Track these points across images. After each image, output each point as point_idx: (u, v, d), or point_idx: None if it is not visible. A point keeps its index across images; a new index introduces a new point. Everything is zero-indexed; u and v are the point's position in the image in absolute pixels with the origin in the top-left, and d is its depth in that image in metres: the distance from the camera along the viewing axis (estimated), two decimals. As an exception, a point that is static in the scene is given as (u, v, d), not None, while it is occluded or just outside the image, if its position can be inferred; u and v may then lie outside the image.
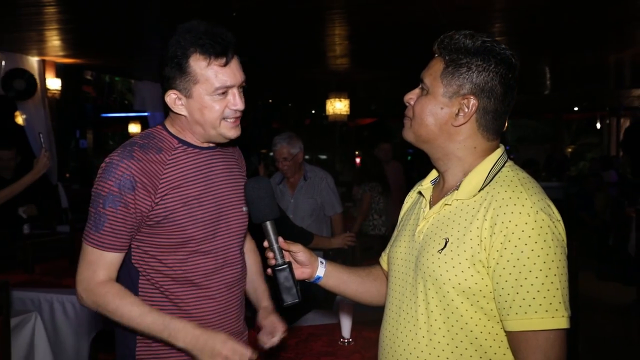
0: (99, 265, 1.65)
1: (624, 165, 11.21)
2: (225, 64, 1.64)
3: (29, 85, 7.60)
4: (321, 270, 1.64)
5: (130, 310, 1.62)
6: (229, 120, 1.69)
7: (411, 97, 1.48)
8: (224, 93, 1.66)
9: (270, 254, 1.57)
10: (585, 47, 7.88)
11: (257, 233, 1.76)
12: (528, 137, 20.12)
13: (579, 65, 9.59)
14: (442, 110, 1.41)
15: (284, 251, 1.58)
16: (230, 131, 1.71)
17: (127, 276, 1.71)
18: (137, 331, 1.66)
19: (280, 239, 1.57)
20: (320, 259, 1.66)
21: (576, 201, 8.86)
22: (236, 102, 1.68)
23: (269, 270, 1.58)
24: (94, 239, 1.64)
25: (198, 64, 1.63)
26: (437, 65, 1.43)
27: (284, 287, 1.53)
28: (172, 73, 1.65)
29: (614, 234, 7.79)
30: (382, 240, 5.58)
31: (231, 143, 1.85)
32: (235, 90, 1.68)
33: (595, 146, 17.56)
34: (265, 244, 1.57)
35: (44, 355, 3.25)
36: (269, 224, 1.56)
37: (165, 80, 1.67)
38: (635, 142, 11.31)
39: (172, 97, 1.68)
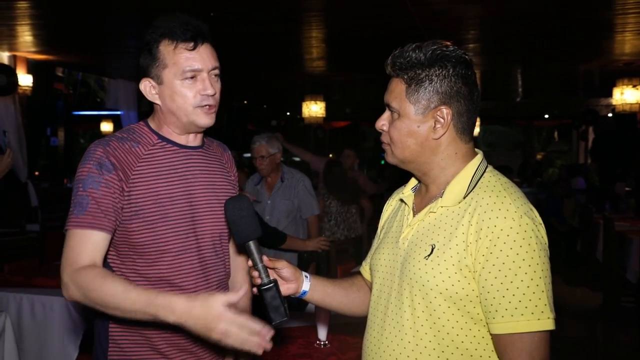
0: (82, 248, 1.55)
1: (591, 172, 11.45)
2: (194, 48, 1.65)
3: (10, 80, 7.17)
4: (306, 284, 1.62)
5: (112, 287, 1.48)
6: (202, 107, 1.68)
7: (383, 123, 1.49)
8: (193, 78, 1.65)
9: (255, 273, 1.52)
10: (556, 55, 8.01)
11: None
12: (499, 143, 20.40)
13: (550, 73, 9.76)
14: (419, 128, 1.42)
15: (268, 269, 1.53)
16: (203, 119, 1.69)
17: None
18: (124, 315, 1.48)
19: (265, 258, 1.52)
20: (304, 273, 1.64)
21: (545, 207, 9.02)
22: (205, 87, 1.66)
23: (255, 290, 1.54)
24: (77, 221, 1.57)
25: (166, 49, 1.66)
26: (398, 87, 1.44)
27: (271, 306, 1.49)
28: (146, 61, 1.68)
29: (582, 240, 7.94)
30: (355, 242, 5.63)
31: (217, 146, 1.83)
32: (205, 75, 1.67)
33: (565, 153, 17.88)
34: (250, 263, 1.53)
35: (9, 357, 3.18)
36: (252, 244, 1.50)
37: (142, 71, 1.70)
38: (603, 150, 11.56)
39: (145, 85, 1.70)
